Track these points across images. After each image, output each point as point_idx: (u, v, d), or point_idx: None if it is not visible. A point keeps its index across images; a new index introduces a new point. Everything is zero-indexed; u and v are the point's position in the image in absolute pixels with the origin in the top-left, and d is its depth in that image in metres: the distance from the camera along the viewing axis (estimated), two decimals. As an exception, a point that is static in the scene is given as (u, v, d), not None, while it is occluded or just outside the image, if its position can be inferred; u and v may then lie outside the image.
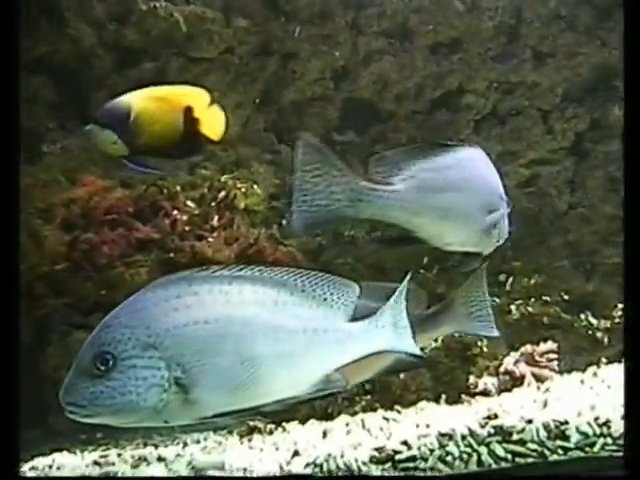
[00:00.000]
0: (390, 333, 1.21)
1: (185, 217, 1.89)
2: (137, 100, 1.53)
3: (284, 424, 1.59)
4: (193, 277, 1.12)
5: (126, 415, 1.08)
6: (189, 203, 1.94)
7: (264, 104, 2.37)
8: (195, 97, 1.57)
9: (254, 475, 1.26)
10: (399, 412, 1.58)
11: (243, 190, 2.05)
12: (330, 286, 1.18)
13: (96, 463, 1.38)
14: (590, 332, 2.14)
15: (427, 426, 1.38)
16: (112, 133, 1.50)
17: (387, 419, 1.51)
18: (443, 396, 1.78)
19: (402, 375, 1.96)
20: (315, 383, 1.18)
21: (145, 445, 1.75)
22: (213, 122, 1.57)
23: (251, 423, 1.58)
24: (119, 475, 1.30)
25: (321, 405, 1.88)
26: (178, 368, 1.07)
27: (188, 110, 1.54)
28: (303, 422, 1.63)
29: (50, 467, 1.36)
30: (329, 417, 1.74)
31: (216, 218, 1.89)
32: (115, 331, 1.08)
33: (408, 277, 1.23)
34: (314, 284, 1.17)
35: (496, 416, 1.35)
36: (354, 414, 1.73)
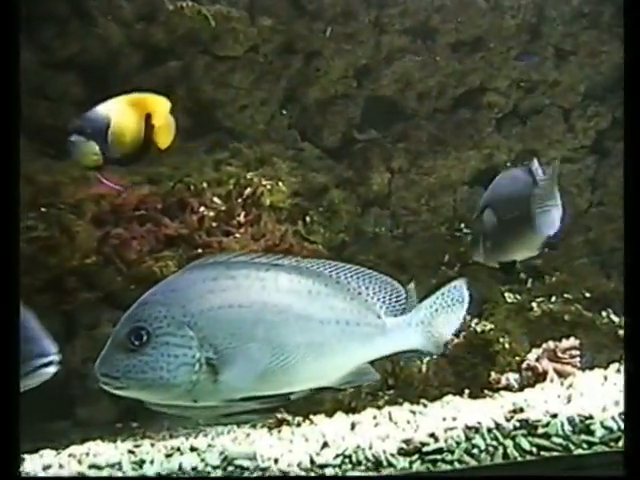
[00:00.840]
0: (424, 333, 1.22)
1: (212, 213, 1.92)
2: (115, 111, 1.52)
3: (311, 417, 1.62)
4: (231, 261, 1.14)
5: (156, 391, 1.10)
6: (215, 199, 1.97)
7: (288, 102, 2.39)
8: (156, 104, 1.55)
9: (285, 464, 1.29)
10: (425, 405, 1.60)
11: (268, 187, 2.07)
12: (366, 280, 1.19)
13: (130, 452, 1.42)
14: (612, 330, 2.15)
15: (454, 419, 1.40)
16: (95, 145, 1.50)
17: (414, 412, 1.53)
18: (466, 391, 1.79)
19: (424, 370, 1.98)
20: (345, 375, 1.20)
21: (171, 437, 1.78)
22: (167, 131, 1.56)
23: (279, 415, 1.60)
24: (153, 461, 1.33)
25: (345, 399, 1.91)
26: (210, 349, 1.09)
27: (148, 117, 1.53)
28: (330, 415, 1.66)
29: (87, 454, 1.40)
30: (352, 411, 1.76)
31: (243, 214, 1.92)
32: (151, 308, 1.10)
33: (460, 282, 1.24)
34: (349, 277, 1.18)
35: (522, 410, 1.37)
36: (378, 408, 1.74)
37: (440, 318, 1.23)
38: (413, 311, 1.22)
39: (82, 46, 2.19)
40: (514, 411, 1.37)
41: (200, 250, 1.83)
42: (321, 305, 1.16)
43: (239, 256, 1.15)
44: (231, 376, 1.10)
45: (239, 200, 1.96)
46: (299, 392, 1.20)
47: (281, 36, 2.34)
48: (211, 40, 2.27)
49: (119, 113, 1.52)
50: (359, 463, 1.30)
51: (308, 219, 2.16)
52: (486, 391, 1.77)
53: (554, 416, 1.33)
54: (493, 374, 1.86)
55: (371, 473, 1.29)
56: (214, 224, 1.89)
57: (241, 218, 1.91)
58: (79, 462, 1.35)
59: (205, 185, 2.01)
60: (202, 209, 1.92)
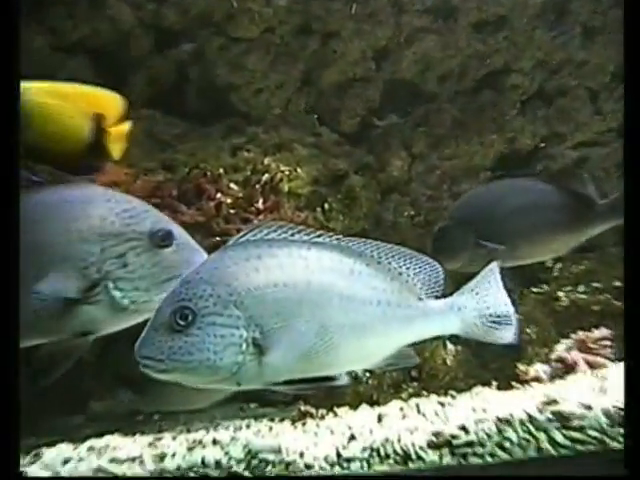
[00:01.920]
0: (466, 318, 1.18)
1: (229, 200, 1.87)
2: (31, 91, 1.26)
3: (335, 409, 1.58)
4: (273, 239, 1.10)
5: (201, 373, 1.06)
6: (233, 186, 1.92)
7: (305, 85, 2.32)
8: (108, 103, 1.32)
9: (311, 458, 1.25)
10: (454, 397, 1.55)
11: (287, 173, 2.02)
12: (406, 260, 1.16)
13: (151, 445, 1.38)
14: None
15: (484, 411, 1.35)
16: None
17: (442, 404, 1.49)
18: (494, 383, 1.74)
19: (449, 362, 1.93)
20: (386, 357, 1.17)
21: (188, 431, 1.75)
22: (120, 138, 1.34)
23: (302, 408, 1.56)
24: (175, 454, 1.29)
25: (367, 392, 1.86)
26: (257, 329, 1.06)
27: (98, 118, 1.31)
28: (353, 408, 1.61)
29: (107, 447, 1.37)
30: (375, 404, 1.72)
31: (261, 201, 1.87)
32: (196, 287, 1.05)
33: (494, 264, 1.20)
34: (390, 257, 1.15)
35: (555, 402, 1.32)
36: (402, 401, 1.70)
37: (483, 302, 1.19)
38: (455, 295, 1.18)
39: (93, 28, 2.14)
40: (547, 403, 1.32)
41: (219, 238, 1.78)
42: (363, 285, 1.12)
43: (277, 229, 1.11)
44: (276, 357, 1.06)
45: (257, 186, 1.91)
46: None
47: (297, 17, 2.27)
48: (225, 21, 2.20)
49: (37, 94, 1.26)
50: (387, 456, 1.26)
51: (327, 206, 2.11)
52: (514, 383, 1.72)
53: (589, 408, 1.28)
54: (521, 365, 1.81)
55: (399, 467, 1.26)
56: (232, 211, 1.84)
57: (259, 205, 1.86)
58: (99, 453, 1.32)
59: (222, 171, 1.96)
60: (219, 195, 1.87)
